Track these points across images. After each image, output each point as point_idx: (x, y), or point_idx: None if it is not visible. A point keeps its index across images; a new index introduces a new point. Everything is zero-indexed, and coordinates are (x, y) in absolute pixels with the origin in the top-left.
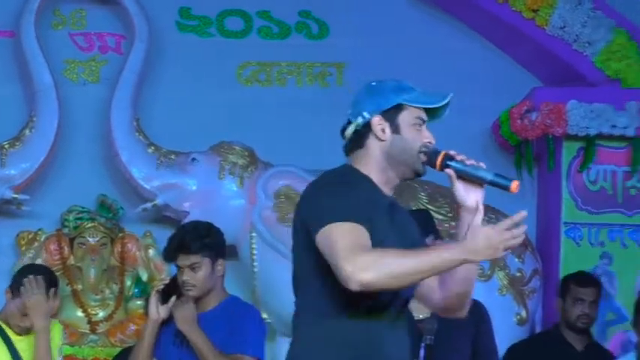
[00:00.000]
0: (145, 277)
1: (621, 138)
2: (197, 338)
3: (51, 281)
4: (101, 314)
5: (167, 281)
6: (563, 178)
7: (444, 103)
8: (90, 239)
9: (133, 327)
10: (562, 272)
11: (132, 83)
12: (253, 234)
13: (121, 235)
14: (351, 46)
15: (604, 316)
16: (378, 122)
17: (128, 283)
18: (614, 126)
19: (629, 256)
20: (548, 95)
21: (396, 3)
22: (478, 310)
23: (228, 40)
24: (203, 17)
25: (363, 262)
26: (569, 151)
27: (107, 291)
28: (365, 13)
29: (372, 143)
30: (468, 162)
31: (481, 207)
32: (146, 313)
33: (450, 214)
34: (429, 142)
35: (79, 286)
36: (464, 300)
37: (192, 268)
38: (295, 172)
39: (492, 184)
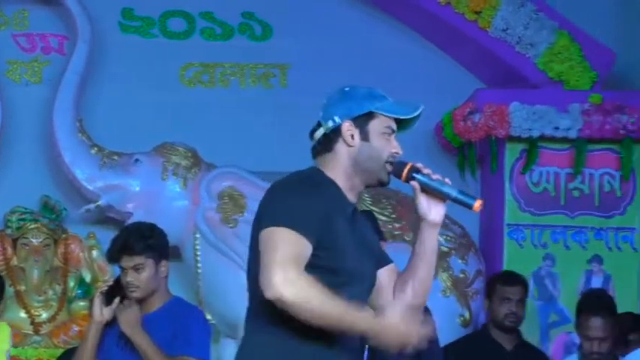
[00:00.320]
0: (88, 278)
1: (564, 140)
2: (141, 341)
3: None
4: (44, 315)
5: (111, 283)
6: (506, 179)
7: (415, 114)
8: (33, 240)
9: (76, 328)
10: None
11: (74, 84)
12: (197, 235)
13: (64, 236)
14: (295, 47)
15: (547, 317)
16: (347, 128)
17: (71, 284)
18: (556, 128)
19: (572, 258)
20: (490, 97)
21: (339, 5)
22: (422, 312)
23: (170, 41)
24: (146, 18)
25: (293, 278)
26: (512, 153)
27: (50, 292)
28: (308, 15)
29: (340, 148)
30: (434, 176)
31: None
32: (90, 315)
33: (393, 216)
34: (397, 153)
35: (22, 287)
36: (417, 312)
37: (136, 269)
38: (239, 173)
39: (456, 201)
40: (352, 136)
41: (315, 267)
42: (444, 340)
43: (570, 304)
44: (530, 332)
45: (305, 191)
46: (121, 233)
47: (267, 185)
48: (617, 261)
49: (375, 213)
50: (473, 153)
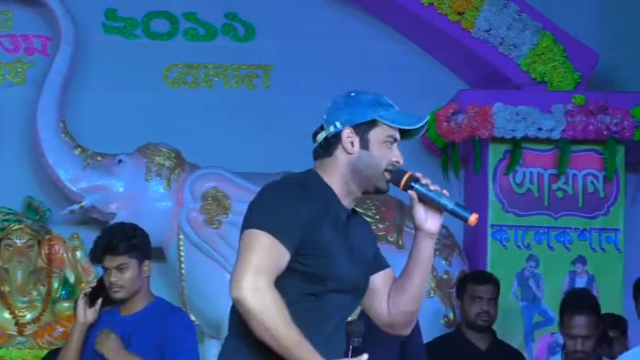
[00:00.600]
0: (72, 278)
1: (547, 141)
2: None
3: None
4: (28, 316)
5: (94, 284)
6: (490, 180)
7: (419, 125)
8: (17, 241)
9: (60, 329)
10: None
11: (58, 85)
12: (181, 236)
13: (48, 236)
14: (278, 48)
15: (531, 318)
16: (347, 135)
17: (55, 285)
18: (540, 129)
19: (556, 259)
20: (474, 98)
21: (323, 6)
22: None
23: (154, 42)
24: (129, 19)
25: (262, 288)
26: (495, 154)
27: (34, 293)
28: (291, 16)
29: (339, 154)
30: (432, 187)
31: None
32: (74, 315)
33: (377, 217)
34: (397, 162)
35: (6, 288)
36: (410, 318)
37: (120, 269)
38: (222, 174)
39: (452, 212)
40: (352, 144)
41: (300, 273)
42: (427, 340)
43: (554, 305)
44: (514, 333)
45: (292, 196)
46: (103, 234)
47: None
48: (601, 262)
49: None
50: (456, 154)
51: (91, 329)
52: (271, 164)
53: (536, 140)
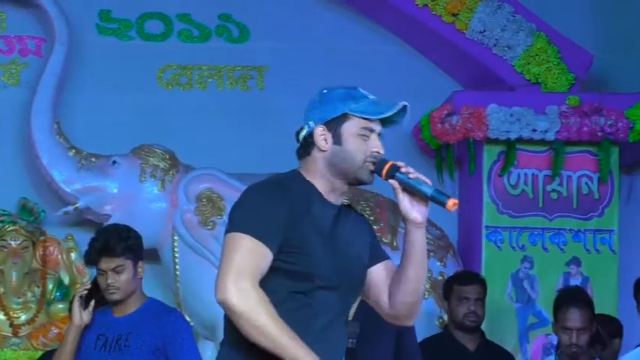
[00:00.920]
0: (66, 280)
1: (542, 142)
2: None
3: None
4: (23, 317)
5: (88, 286)
6: (484, 181)
7: (389, 114)
8: (11, 242)
9: (55, 330)
10: (484, 276)
11: (52, 86)
12: (175, 237)
13: (42, 238)
14: (272, 49)
15: (526, 319)
16: (320, 133)
17: (50, 286)
18: (534, 130)
19: (551, 260)
20: (468, 99)
21: (317, 7)
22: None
23: (148, 43)
24: (123, 20)
25: (246, 289)
26: (489, 155)
27: (29, 294)
28: (286, 17)
29: (316, 153)
30: (412, 175)
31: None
32: (69, 317)
33: (371, 218)
34: (377, 152)
35: (1, 289)
36: (412, 309)
37: (117, 271)
38: (217, 176)
39: (432, 199)
40: (325, 141)
41: (285, 271)
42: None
43: (549, 306)
44: (508, 334)
45: (272, 197)
46: (98, 236)
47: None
48: (596, 263)
49: None
50: (451, 155)
51: (85, 331)
52: (265, 165)
53: (530, 141)
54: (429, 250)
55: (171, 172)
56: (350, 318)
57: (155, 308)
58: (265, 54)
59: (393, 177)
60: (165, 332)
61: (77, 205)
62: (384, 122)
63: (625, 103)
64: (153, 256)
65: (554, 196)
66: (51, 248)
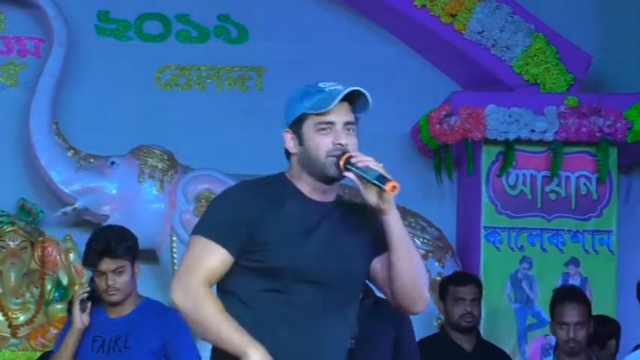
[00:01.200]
0: (65, 280)
1: (540, 143)
2: None
3: None
4: (22, 318)
5: (88, 288)
6: (483, 182)
7: (334, 105)
8: (10, 243)
9: (53, 331)
10: (483, 276)
11: (51, 87)
12: (174, 238)
13: (41, 238)
14: (271, 50)
15: (524, 320)
16: (288, 137)
17: (48, 287)
18: (533, 130)
19: (549, 261)
20: (467, 100)
21: (315, 7)
22: (399, 314)
23: (147, 44)
24: (122, 21)
25: (189, 287)
26: (488, 156)
27: (28, 295)
28: (284, 18)
29: (292, 157)
30: (361, 163)
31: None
32: (67, 318)
33: None
34: (339, 144)
35: (0, 290)
36: (411, 295)
37: (118, 272)
38: (215, 176)
39: (374, 185)
40: (293, 144)
41: (254, 270)
42: None
43: (547, 307)
44: (507, 335)
45: (234, 199)
46: (96, 237)
47: None
48: (594, 264)
49: None
50: (449, 156)
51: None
52: (264, 166)
53: (529, 142)
54: (427, 251)
55: (169, 173)
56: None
57: (153, 308)
58: (264, 54)
59: (349, 170)
60: (164, 332)
61: (76, 206)
62: (356, 109)
63: (623, 104)
64: (151, 256)
65: (552, 196)
66: (49, 249)
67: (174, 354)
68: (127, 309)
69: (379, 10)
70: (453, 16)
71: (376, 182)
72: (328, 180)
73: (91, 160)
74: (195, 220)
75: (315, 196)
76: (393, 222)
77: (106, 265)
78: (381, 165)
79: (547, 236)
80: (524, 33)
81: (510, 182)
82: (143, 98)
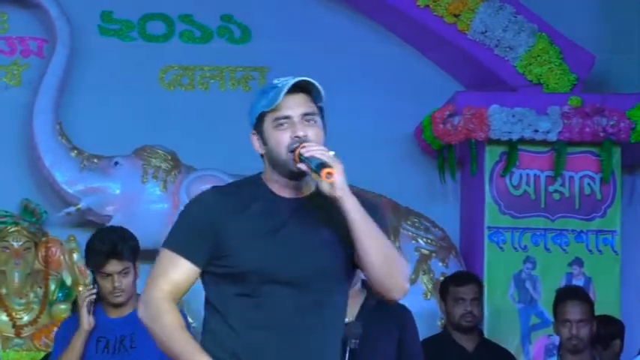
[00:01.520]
0: (69, 281)
1: (544, 143)
2: None
3: None
4: (26, 318)
5: (94, 290)
6: (486, 182)
7: (280, 99)
8: (14, 243)
9: None
10: (486, 276)
11: (54, 87)
12: None
13: (44, 239)
14: (274, 50)
15: (528, 320)
16: (255, 139)
17: (52, 287)
18: (536, 130)
19: (553, 261)
20: (470, 100)
21: (318, 7)
22: (403, 314)
23: (150, 44)
24: (125, 21)
25: (151, 299)
26: (491, 156)
27: (31, 295)
28: (287, 18)
29: (263, 157)
30: (307, 153)
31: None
32: (65, 318)
33: None
34: (297, 137)
35: (3, 290)
36: (385, 281)
37: (124, 273)
38: (218, 176)
39: (314, 173)
40: (259, 145)
41: (222, 276)
42: None
43: (551, 307)
44: (511, 335)
45: (197, 208)
46: (101, 239)
47: None
48: (598, 264)
49: None
50: (453, 156)
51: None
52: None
53: (532, 142)
54: (431, 251)
55: (173, 173)
56: (353, 318)
57: None
58: (267, 54)
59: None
60: None
61: (79, 206)
62: (316, 99)
63: (627, 104)
64: (154, 256)
65: (556, 196)
66: (53, 249)
67: None
68: (128, 309)
69: (382, 10)
70: (456, 16)
71: (315, 170)
72: (293, 175)
73: (95, 161)
74: None
75: (286, 194)
76: (349, 209)
77: (113, 266)
78: (332, 153)
79: (551, 236)
80: (527, 33)
81: (514, 182)
82: (146, 98)
